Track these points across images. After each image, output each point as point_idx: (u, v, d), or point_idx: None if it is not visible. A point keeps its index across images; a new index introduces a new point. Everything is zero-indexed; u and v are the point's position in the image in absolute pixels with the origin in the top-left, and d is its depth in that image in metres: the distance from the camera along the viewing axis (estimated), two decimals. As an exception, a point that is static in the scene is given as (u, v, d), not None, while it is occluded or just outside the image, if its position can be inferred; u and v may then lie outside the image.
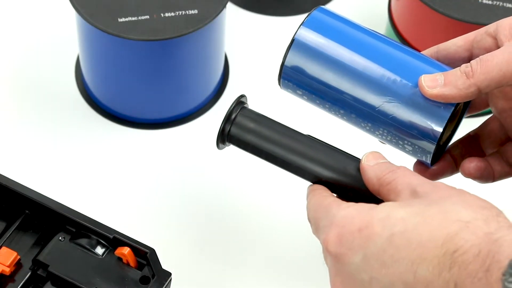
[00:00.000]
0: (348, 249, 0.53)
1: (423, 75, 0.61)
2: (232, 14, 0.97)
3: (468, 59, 0.64)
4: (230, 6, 0.97)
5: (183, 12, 0.80)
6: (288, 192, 0.82)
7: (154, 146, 0.87)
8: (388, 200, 0.57)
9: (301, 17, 0.98)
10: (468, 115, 0.67)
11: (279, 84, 0.67)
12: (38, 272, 0.72)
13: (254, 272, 0.79)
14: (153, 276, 0.70)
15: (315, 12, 0.65)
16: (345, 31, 0.64)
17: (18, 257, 0.71)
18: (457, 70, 0.60)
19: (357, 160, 0.62)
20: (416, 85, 0.62)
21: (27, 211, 0.74)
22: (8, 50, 0.93)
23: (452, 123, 0.66)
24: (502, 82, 0.59)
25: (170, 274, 0.70)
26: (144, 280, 0.71)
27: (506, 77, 0.58)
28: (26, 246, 0.73)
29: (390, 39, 0.65)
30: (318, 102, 0.66)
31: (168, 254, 0.75)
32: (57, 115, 0.89)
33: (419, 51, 0.65)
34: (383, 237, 0.52)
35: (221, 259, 0.79)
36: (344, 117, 0.65)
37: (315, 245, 0.80)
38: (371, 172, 0.58)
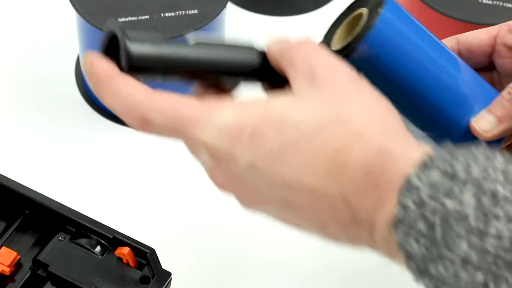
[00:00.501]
0: (237, 154, 0.50)
1: (472, 120, 0.59)
2: (232, 14, 0.97)
3: (490, 54, 0.63)
4: (230, 6, 0.97)
5: (183, 12, 0.80)
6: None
7: (154, 146, 0.87)
8: (286, 74, 0.53)
9: (301, 17, 0.98)
10: None
11: None
12: (38, 272, 0.72)
13: (254, 272, 0.79)
14: (153, 276, 0.70)
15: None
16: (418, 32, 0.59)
17: (18, 257, 0.71)
18: (501, 100, 0.59)
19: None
20: (465, 122, 0.59)
21: (27, 211, 0.74)
22: (8, 50, 0.93)
23: None
24: None
25: (170, 274, 0.70)
26: (144, 280, 0.71)
27: None
28: (26, 246, 0.73)
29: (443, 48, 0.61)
30: None
31: (168, 254, 0.75)
32: (57, 115, 0.89)
33: None
34: (275, 143, 0.49)
35: (221, 259, 0.79)
36: None
37: (317, 245, 0.80)
38: (275, 48, 0.54)
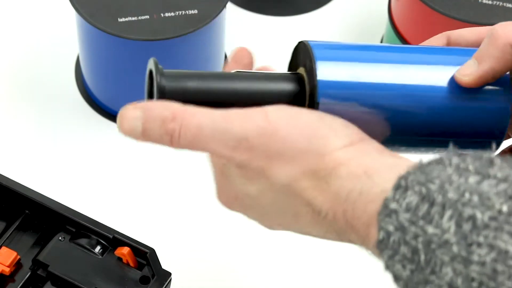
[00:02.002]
0: (251, 176, 0.54)
1: (455, 72, 0.54)
2: (232, 14, 0.97)
3: None
4: (230, 6, 0.97)
5: (183, 12, 0.80)
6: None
7: (154, 146, 0.87)
8: None
9: (301, 17, 0.98)
10: None
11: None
12: (38, 272, 0.72)
13: (254, 272, 0.79)
14: (153, 276, 0.70)
15: (313, 43, 0.54)
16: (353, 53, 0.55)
17: (18, 257, 0.71)
18: (481, 42, 0.55)
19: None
20: (448, 90, 0.54)
21: (27, 211, 0.74)
22: (8, 50, 0.94)
23: None
24: None
25: (170, 274, 0.70)
26: (144, 280, 0.71)
27: None
28: (26, 246, 0.73)
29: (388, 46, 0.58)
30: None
31: (168, 254, 0.75)
32: (57, 115, 0.89)
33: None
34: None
35: (221, 259, 0.79)
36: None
37: (317, 245, 0.80)
38: None
